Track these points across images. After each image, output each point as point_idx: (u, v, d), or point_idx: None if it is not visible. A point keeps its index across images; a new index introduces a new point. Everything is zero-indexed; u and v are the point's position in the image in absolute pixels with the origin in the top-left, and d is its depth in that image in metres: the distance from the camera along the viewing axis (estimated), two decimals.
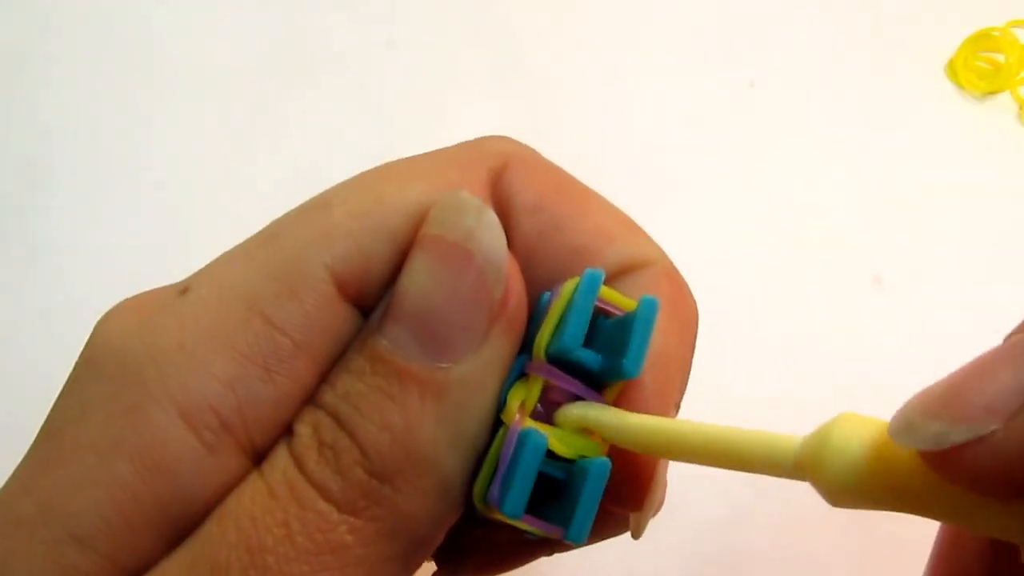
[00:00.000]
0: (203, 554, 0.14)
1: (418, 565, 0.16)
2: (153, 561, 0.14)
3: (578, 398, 0.16)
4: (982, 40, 0.44)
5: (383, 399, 0.14)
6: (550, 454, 0.15)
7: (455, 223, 0.15)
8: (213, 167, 0.43)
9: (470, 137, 0.42)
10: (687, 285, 0.19)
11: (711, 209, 0.42)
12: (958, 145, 0.43)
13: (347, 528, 0.14)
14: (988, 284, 0.40)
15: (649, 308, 0.16)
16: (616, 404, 0.16)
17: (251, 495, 0.14)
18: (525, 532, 0.16)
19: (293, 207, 0.17)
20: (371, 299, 0.16)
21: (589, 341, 0.16)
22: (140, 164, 0.43)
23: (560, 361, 0.16)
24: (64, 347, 0.40)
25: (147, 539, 0.14)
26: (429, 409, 0.15)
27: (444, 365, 0.15)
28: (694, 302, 0.19)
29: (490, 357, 0.15)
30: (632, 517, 0.18)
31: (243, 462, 0.15)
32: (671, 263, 0.19)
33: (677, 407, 0.18)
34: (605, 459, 0.16)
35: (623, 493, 0.17)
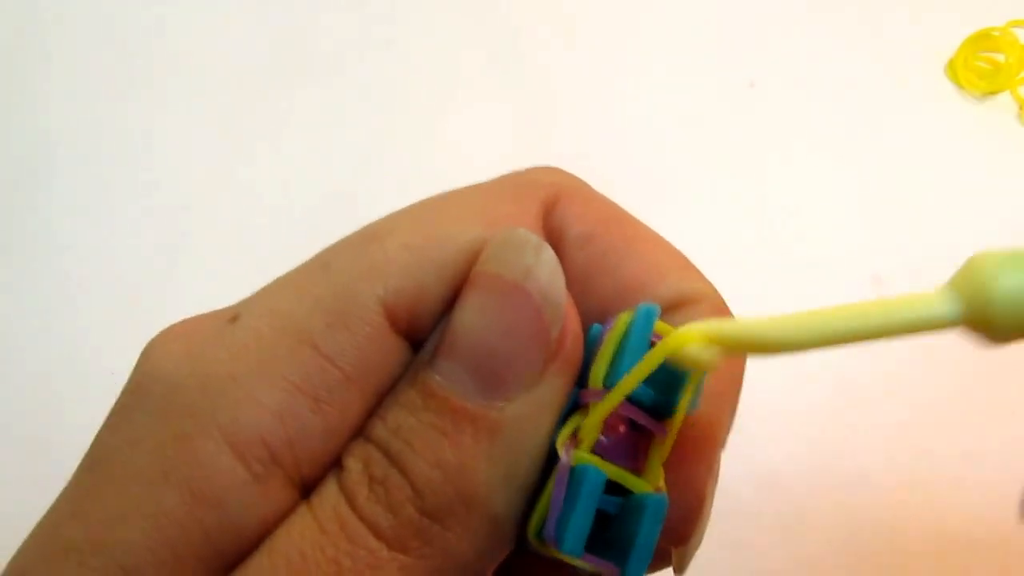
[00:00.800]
0: None
1: None
2: None
3: (635, 427, 0.16)
4: (982, 40, 0.44)
5: (436, 435, 0.14)
6: (607, 487, 0.15)
7: (513, 261, 0.15)
8: (213, 167, 0.43)
9: (470, 137, 0.42)
10: (728, 312, 0.18)
11: (711, 209, 0.42)
12: (958, 145, 0.43)
13: (397, 566, 0.14)
14: None
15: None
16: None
17: (300, 530, 0.14)
18: (578, 568, 0.16)
19: (343, 237, 0.17)
20: (422, 333, 0.16)
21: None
22: (140, 164, 0.43)
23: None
24: (64, 348, 0.40)
25: (194, 571, 0.14)
26: (482, 448, 0.14)
27: (498, 404, 0.14)
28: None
29: (545, 396, 0.15)
30: (675, 552, 0.18)
31: (292, 494, 0.15)
32: (721, 299, 0.18)
33: (724, 444, 0.18)
34: (663, 495, 0.15)
35: (668, 531, 0.16)
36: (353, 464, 0.15)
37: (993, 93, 0.44)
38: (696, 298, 0.18)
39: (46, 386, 0.38)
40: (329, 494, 0.15)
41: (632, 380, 0.15)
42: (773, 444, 0.36)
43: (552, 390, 0.15)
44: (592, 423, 0.15)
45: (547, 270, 0.15)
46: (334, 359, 0.15)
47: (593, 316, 0.17)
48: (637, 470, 0.16)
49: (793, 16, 0.46)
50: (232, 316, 0.16)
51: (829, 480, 0.36)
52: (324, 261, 0.17)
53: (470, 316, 0.15)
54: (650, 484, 0.16)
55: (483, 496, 0.14)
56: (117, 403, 0.16)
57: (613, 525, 0.16)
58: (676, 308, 0.18)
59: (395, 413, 0.15)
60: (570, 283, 0.17)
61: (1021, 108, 0.44)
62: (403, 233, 0.16)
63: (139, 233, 0.41)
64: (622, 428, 0.16)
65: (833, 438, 0.36)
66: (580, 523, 0.15)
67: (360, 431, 0.15)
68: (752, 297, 0.41)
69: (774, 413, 0.36)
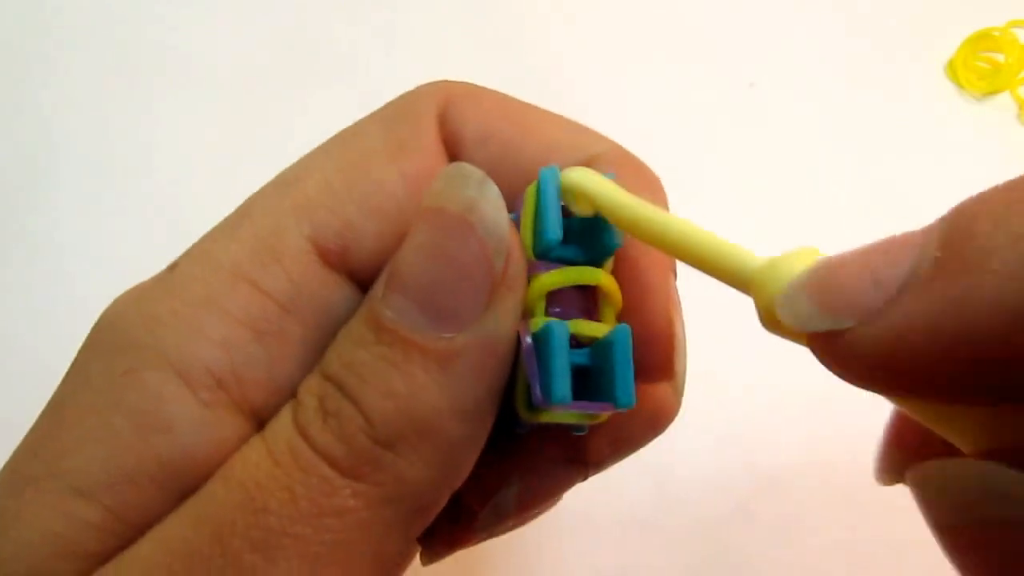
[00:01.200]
0: (207, 513, 0.14)
1: (419, 531, 0.16)
2: (157, 516, 0.15)
3: (579, 287, 0.17)
4: (982, 40, 0.44)
5: (387, 368, 0.15)
6: (572, 342, 0.16)
7: (457, 195, 0.15)
8: (213, 167, 0.43)
9: None
10: (641, 161, 0.19)
11: (710, 209, 0.42)
12: (958, 145, 0.43)
13: (350, 492, 0.14)
14: None
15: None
16: (616, 268, 0.17)
17: (255, 460, 0.15)
18: (573, 427, 0.17)
19: (261, 187, 0.18)
20: (359, 268, 0.17)
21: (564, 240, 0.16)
22: (140, 164, 0.43)
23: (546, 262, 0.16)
24: (64, 347, 0.40)
25: (149, 493, 0.15)
26: (433, 377, 0.15)
27: (448, 335, 0.15)
28: (652, 171, 0.19)
29: (493, 325, 0.15)
30: (669, 389, 0.19)
31: (240, 422, 0.16)
32: (622, 148, 0.19)
33: (671, 268, 0.19)
34: (624, 324, 0.16)
35: (652, 366, 0.17)
36: (307, 398, 0.15)
37: (993, 93, 0.44)
38: (596, 156, 0.18)
39: (46, 386, 0.38)
40: (283, 426, 0.15)
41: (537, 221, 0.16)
42: (773, 446, 0.36)
43: (500, 318, 0.15)
44: (535, 293, 0.16)
45: (490, 202, 0.15)
46: (270, 293, 0.16)
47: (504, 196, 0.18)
48: (594, 320, 0.17)
49: (793, 16, 0.46)
50: (171, 266, 0.17)
51: (830, 482, 0.36)
52: (246, 209, 0.18)
53: (416, 251, 0.15)
54: (609, 327, 0.16)
55: (434, 424, 0.15)
56: (74, 359, 0.16)
57: (591, 375, 0.16)
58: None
59: (348, 349, 0.15)
60: None
61: (1021, 108, 0.44)
62: (319, 173, 0.17)
63: (139, 233, 0.41)
64: (567, 291, 0.17)
65: (834, 439, 0.36)
66: (561, 373, 0.15)
67: (311, 366, 0.16)
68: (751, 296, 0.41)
69: (774, 415, 0.36)
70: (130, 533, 0.15)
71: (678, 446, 0.33)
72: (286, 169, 0.19)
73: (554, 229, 0.16)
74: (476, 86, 0.20)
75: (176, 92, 0.45)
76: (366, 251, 0.17)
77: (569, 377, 0.15)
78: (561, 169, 0.17)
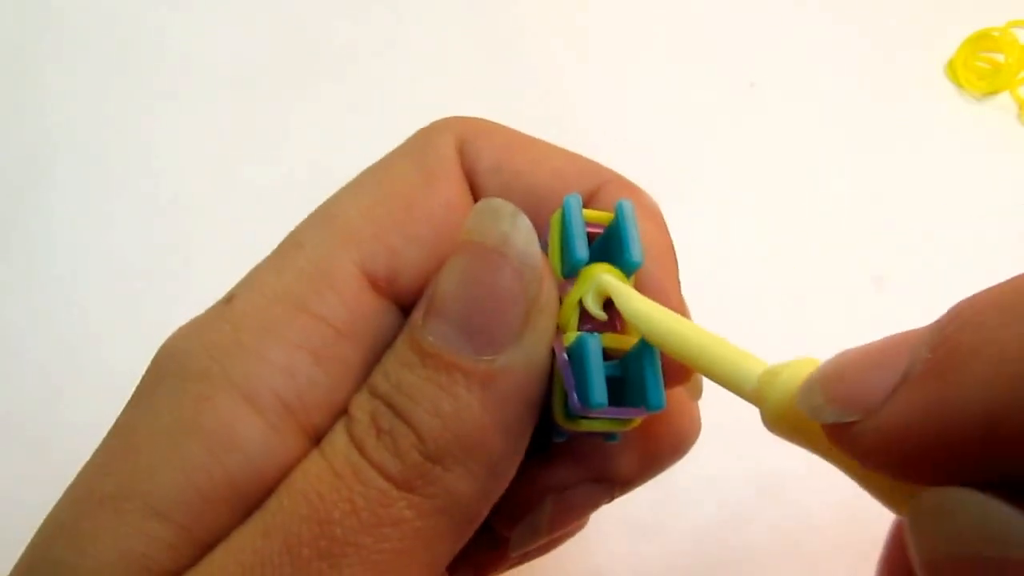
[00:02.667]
0: (275, 524, 0.15)
1: (465, 539, 0.17)
2: (226, 533, 0.16)
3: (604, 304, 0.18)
4: (982, 40, 0.44)
5: (434, 389, 0.16)
6: (604, 355, 0.17)
7: (492, 228, 0.17)
8: (213, 167, 0.43)
9: None
10: (643, 190, 0.21)
11: (711, 209, 0.42)
12: (958, 145, 0.43)
13: (406, 504, 0.16)
14: (988, 284, 0.40)
15: (626, 208, 0.18)
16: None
17: (316, 473, 0.16)
18: (607, 435, 0.18)
19: (305, 219, 0.19)
20: (405, 293, 0.18)
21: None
22: (140, 164, 0.43)
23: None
24: (64, 347, 0.40)
25: (220, 512, 0.16)
26: (476, 397, 0.16)
27: (487, 357, 0.16)
28: (652, 199, 0.21)
29: (530, 347, 0.17)
30: (688, 387, 0.20)
31: (305, 443, 0.17)
32: (624, 178, 0.21)
33: (679, 285, 0.20)
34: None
35: (669, 372, 0.18)
36: (360, 415, 0.16)
37: (993, 93, 0.44)
38: (601, 185, 0.20)
39: (46, 386, 0.38)
40: (340, 442, 0.16)
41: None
42: (775, 450, 0.36)
43: (535, 340, 0.17)
44: (567, 309, 0.18)
45: (523, 234, 0.17)
46: (326, 318, 0.17)
47: None
48: (621, 333, 0.18)
49: (793, 16, 0.46)
50: (228, 298, 0.18)
51: (833, 486, 0.36)
52: (297, 241, 0.19)
53: (455, 280, 0.16)
54: (636, 338, 0.18)
55: (478, 440, 0.16)
56: (137, 388, 0.17)
57: (622, 384, 0.18)
58: (590, 200, 0.20)
59: (396, 371, 0.16)
60: None
61: (1021, 108, 0.44)
62: (361, 205, 0.19)
63: (139, 233, 0.41)
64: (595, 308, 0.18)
65: None
66: (597, 379, 0.16)
67: (362, 385, 0.17)
68: (752, 297, 0.41)
69: None
70: (200, 551, 0.16)
71: None
72: (326, 202, 0.20)
73: (581, 249, 0.17)
74: (487, 122, 0.21)
75: (176, 92, 0.45)
76: (411, 276, 0.18)
77: (605, 383, 0.17)
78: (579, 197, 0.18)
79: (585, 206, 0.19)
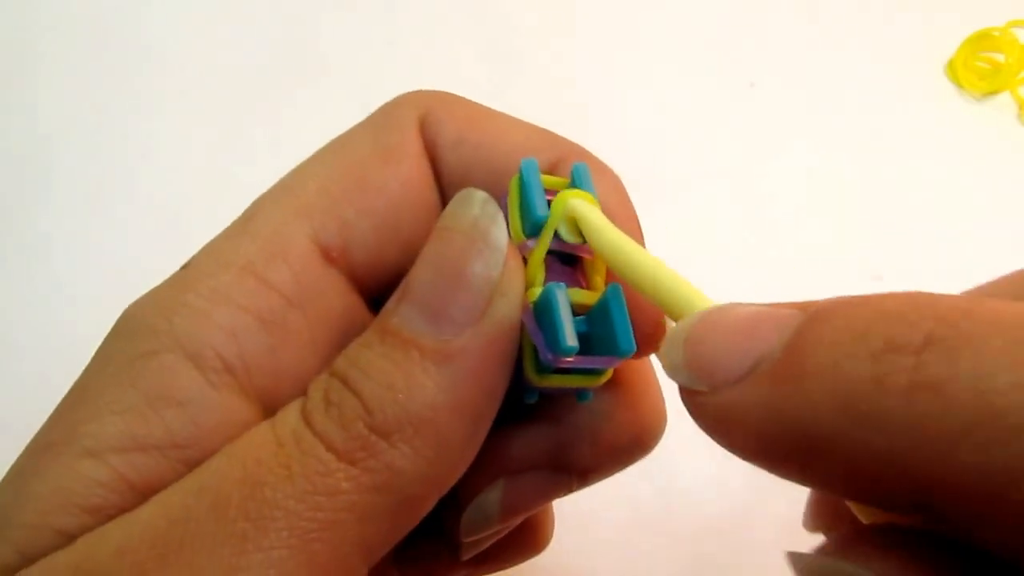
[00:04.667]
0: (209, 483, 0.15)
1: (407, 525, 0.17)
2: (162, 484, 0.16)
3: (566, 261, 0.18)
4: (982, 40, 0.44)
5: (389, 364, 0.16)
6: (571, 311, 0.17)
7: (461, 214, 0.17)
8: (213, 167, 0.43)
9: None
10: (603, 162, 0.21)
11: (711, 209, 0.42)
12: (958, 145, 0.43)
13: (344, 475, 0.15)
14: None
15: (582, 169, 0.18)
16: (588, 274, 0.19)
17: (260, 442, 0.16)
18: (580, 392, 0.18)
19: (261, 194, 0.19)
20: (358, 266, 0.19)
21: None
22: (137, 165, 0.43)
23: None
24: (63, 346, 0.40)
25: (156, 461, 0.16)
26: (431, 375, 0.16)
27: (446, 338, 0.16)
28: (613, 172, 0.21)
29: (489, 327, 0.17)
30: (654, 402, 0.20)
31: (245, 404, 0.17)
32: (584, 150, 0.21)
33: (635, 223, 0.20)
34: (615, 283, 0.17)
35: (645, 321, 0.19)
36: (314, 393, 0.16)
37: (993, 93, 0.44)
38: (562, 157, 0.20)
39: (46, 386, 0.38)
40: (289, 415, 0.16)
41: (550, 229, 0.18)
42: None
43: (496, 321, 0.17)
44: (533, 266, 0.18)
45: (488, 219, 0.17)
46: (276, 286, 0.18)
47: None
48: (585, 287, 0.18)
49: (793, 16, 0.46)
50: (184, 265, 0.18)
51: None
52: (254, 212, 0.19)
53: (423, 265, 0.17)
54: (600, 291, 0.18)
55: (429, 418, 0.16)
56: (97, 348, 0.18)
57: (591, 339, 0.18)
58: (555, 166, 0.20)
59: (355, 350, 0.17)
60: (450, 181, 0.20)
61: (1021, 108, 0.44)
62: (318, 179, 0.19)
63: (139, 233, 0.41)
64: (557, 266, 0.18)
65: None
66: (566, 324, 0.17)
67: (312, 356, 0.18)
68: (752, 296, 0.41)
69: None
70: (135, 498, 0.16)
71: (679, 446, 0.33)
72: (286, 176, 0.20)
73: (541, 208, 0.18)
74: (450, 95, 0.21)
75: (173, 92, 0.45)
76: (364, 249, 0.19)
77: (573, 328, 0.17)
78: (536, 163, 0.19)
79: (548, 172, 0.19)
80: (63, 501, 0.15)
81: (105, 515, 0.16)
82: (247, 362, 0.17)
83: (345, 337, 0.18)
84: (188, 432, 0.16)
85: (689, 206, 0.41)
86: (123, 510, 0.16)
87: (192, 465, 0.16)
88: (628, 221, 0.20)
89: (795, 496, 0.37)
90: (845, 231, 0.41)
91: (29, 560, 0.15)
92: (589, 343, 0.17)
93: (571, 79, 0.45)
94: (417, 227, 0.19)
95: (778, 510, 0.36)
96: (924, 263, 0.41)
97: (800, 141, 0.43)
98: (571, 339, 0.16)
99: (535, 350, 0.17)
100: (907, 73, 0.45)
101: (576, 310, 0.18)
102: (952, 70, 0.45)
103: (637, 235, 0.20)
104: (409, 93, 0.21)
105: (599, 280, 0.19)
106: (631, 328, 0.17)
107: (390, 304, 0.17)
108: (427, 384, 0.16)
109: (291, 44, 0.46)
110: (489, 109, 0.21)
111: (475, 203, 0.17)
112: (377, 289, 0.20)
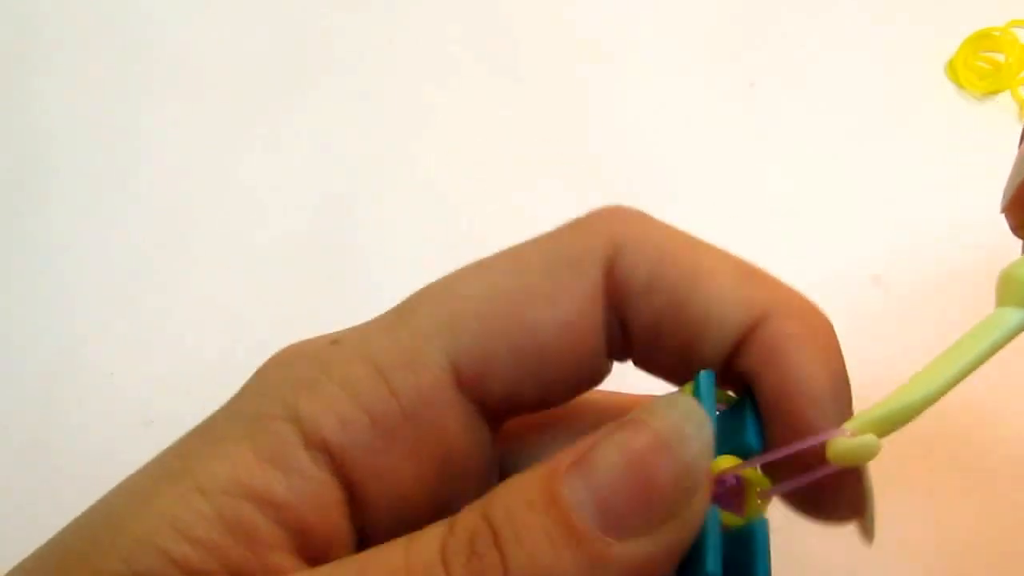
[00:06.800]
0: None
1: None
2: (255, 530, 0.17)
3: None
4: (982, 40, 0.44)
5: (543, 538, 0.16)
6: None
7: (676, 425, 0.16)
8: (213, 168, 0.43)
9: (468, 139, 0.42)
10: (817, 310, 0.20)
11: (711, 208, 0.42)
12: (958, 145, 0.43)
13: None
14: (989, 284, 0.40)
15: (751, 398, 0.18)
16: (779, 443, 0.18)
17: (393, 566, 0.16)
18: None
19: (427, 285, 0.20)
20: (489, 400, 0.19)
21: None
22: (140, 165, 0.43)
23: None
24: (63, 346, 0.40)
25: (252, 511, 0.17)
26: (578, 566, 0.16)
27: (609, 539, 0.16)
28: (823, 319, 0.20)
29: (652, 546, 0.16)
30: (859, 524, 0.19)
31: (336, 489, 0.18)
32: (796, 296, 0.20)
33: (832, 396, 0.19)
34: (763, 518, 0.18)
35: (842, 506, 0.18)
36: (461, 531, 0.16)
37: (993, 93, 0.44)
38: (763, 316, 0.19)
39: (46, 386, 0.38)
40: (428, 546, 0.16)
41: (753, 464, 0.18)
42: None
43: (662, 544, 0.16)
44: None
45: (701, 445, 0.16)
46: (397, 393, 0.18)
47: (668, 360, 0.20)
48: (738, 511, 0.18)
49: (793, 16, 0.46)
50: (334, 340, 0.19)
51: None
52: (412, 307, 0.19)
53: (617, 455, 0.16)
54: (749, 518, 0.18)
55: None
56: (240, 390, 0.19)
57: (728, 561, 0.17)
58: (754, 328, 0.19)
59: (517, 503, 0.16)
60: (641, 332, 0.19)
61: (1021, 108, 0.44)
62: (476, 295, 0.19)
63: (139, 233, 0.41)
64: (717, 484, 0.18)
65: None
66: (714, 551, 0.17)
67: (410, 471, 0.18)
68: None
69: None
70: (230, 537, 0.17)
71: None
72: (454, 273, 0.20)
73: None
74: (644, 221, 0.20)
75: (174, 93, 0.45)
76: (499, 386, 0.19)
77: (721, 555, 0.17)
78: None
79: (749, 334, 0.19)
80: (171, 526, 0.17)
81: (202, 547, 0.17)
82: (347, 453, 0.18)
83: (452, 458, 0.19)
84: (283, 494, 0.17)
85: (688, 206, 0.41)
86: (217, 546, 0.17)
87: (282, 522, 0.17)
88: (836, 382, 0.19)
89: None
90: (844, 230, 0.41)
91: (136, 573, 0.16)
92: (725, 569, 0.17)
93: (571, 80, 0.45)
94: (565, 371, 0.19)
95: (777, 510, 0.36)
96: (924, 263, 0.41)
97: (800, 141, 0.43)
98: (716, 565, 0.16)
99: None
100: (907, 73, 0.45)
101: (721, 529, 0.18)
102: (952, 70, 0.45)
103: (844, 391, 0.19)
104: (603, 212, 0.20)
105: (753, 504, 0.18)
106: (770, 566, 0.17)
107: (563, 461, 0.16)
108: (571, 573, 0.16)
109: (291, 44, 0.46)
110: (688, 239, 0.20)
111: (692, 421, 0.16)
112: (507, 416, 0.20)
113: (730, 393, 0.19)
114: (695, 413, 0.16)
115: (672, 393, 0.17)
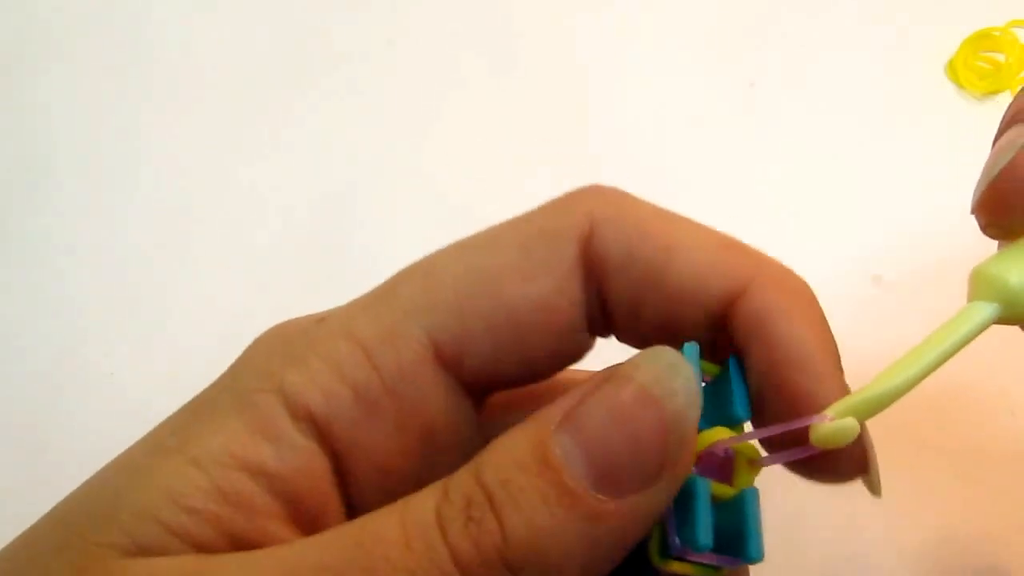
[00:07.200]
0: (332, 564, 0.16)
1: None
2: (249, 500, 0.17)
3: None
4: (982, 40, 0.44)
5: (539, 501, 0.16)
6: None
7: (663, 380, 0.16)
8: (213, 167, 0.43)
9: (469, 138, 0.42)
10: (800, 280, 0.20)
11: (711, 209, 0.41)
12: (958, 145, 0.43)
13: None
14: None
15: (734, 366, 0.18)
16: (771, 412, 0.19)
17: (386, 533, 0.16)
18: None
19: (410, 265, 0.20)
20: (468, 375, 0.19)
21: None
22: (139, 164, 0.43)
23: None
24: (64, 348, 0.40)
25: (246, 480, 0.18)
26: (575, 527, 0.16)
27: (603, 497, 0.16)
28: (805, 286, 0.20)
29: (645, 504, 0.16)
30: (865, 481, 0.20)
31: (322, 459, 0.18)
32: (778, 266, 0.20)
33: (842, 376, 0.19)
34: (753, 488, 0.18)
35: (848, 467, 0.19)
36: (456, 496, 0.16)
37: (993, 93, 0.44)
38: (742, 287, 0.19)
39: (46, 386, 0.38)
40: (424, 512, 0.16)
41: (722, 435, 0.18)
42: None
43: (653, 499, 0.16)
44: None
45: (688, 398, 0.16)
46: (379, 367, 0.18)
47: (650, 331, 0.20)
48: (728, 482, 0.18)
49: (793, 16, 0.46)
50: (320, 318, 0.20)
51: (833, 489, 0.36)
52: (392, 287, 0.20)
53: (604, 410, 0.16)
54: (738, 489, 0.18)
55: (561, 566, 0.16)
56: (228, 369, 0.20)
57: (719, 533, 0.17)
58: (736, 299, 0.19)
59: (509, 467, 0.16)
60: (620, 306, 0.20)
61: None
62: (458, 272, 0.19)
63: (139, 233, 0.41)
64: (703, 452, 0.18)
65: None
66: (704, 521, 0.17)
67: (390, 443, 0.19)
68: None
69: None
70: (226, 506, 0.17)
71: None
72: (433, 253, 0.20)
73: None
74: (622, 198, 0.21)
75: (174, 92, 0.45)
76: (479, 361, 0.19)
77: (711, 525, 0.17)
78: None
79: (730, 305, 0.19)
80: (168, 498, 0.17)
81: (199, 517, 0.17)
82: (332, 425, 0.18)
83: (435, 432, 0.19)
84: (274, 465, 0.18)
85: (688, 205, 0.41)
86: (215, 516, 0.17)
87: (274, 492, 0.18)
88: (824, 348, 0.19)
89: (793, 496, 0.37)
90: (844, 230, 0.41)
91: (137, 544, 0.17)
92: (716, 538, 0.17)
93: (571, 80, 0.45)
94: (543, 347, 0.19)
95: (777, 510, 0.36)
96: (924, 263, 0.41)
97: (800, 141, 0.43)
98: (707, 536, 0.17)
99: (663, 531, 0.17)
100: (907, 73, 0.45)
101: (712, 501, 0.18)
102: (952, 70, 0.45)
103: (833, 356, 0.19)
104: (580, 191, 0.21)
105: (743, 475, 0.19)
106: (762, 536, 0.17)
107: (550, 417, 0.16)
108: (570, 537, 0.16)
109: (291, 44, 0.46)
110: (666, 214, 0.20)
111: (679, 374, 0.17)
112: (488, 391, 0.20)
113: (712, 365, 0.19)
114: (680, 366, 0.17)
115: (656, 347, 0.17)
